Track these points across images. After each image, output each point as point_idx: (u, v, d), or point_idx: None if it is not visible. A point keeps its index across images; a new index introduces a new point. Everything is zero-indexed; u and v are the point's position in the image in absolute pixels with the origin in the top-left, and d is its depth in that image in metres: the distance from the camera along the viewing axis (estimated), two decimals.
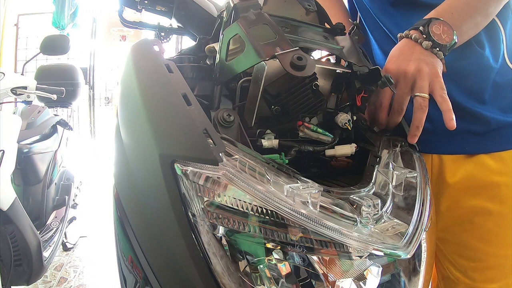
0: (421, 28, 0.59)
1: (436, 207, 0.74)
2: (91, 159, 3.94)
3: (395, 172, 0.50)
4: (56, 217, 1.82)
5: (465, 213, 0.72)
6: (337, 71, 0.61)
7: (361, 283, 0.40)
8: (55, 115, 2.04)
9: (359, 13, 0.83)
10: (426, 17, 0.61)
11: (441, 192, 0.74)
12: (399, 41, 0.62)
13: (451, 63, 0.62)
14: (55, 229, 1.73)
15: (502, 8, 0.66)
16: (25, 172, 1.66)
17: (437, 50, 0.58)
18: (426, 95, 0.56)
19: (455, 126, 0.56)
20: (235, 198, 0.37)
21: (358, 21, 0.81)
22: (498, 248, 0.71)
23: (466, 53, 0.66)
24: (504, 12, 0.69)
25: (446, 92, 0.57)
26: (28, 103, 1.63)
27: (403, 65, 0.58)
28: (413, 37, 0.59)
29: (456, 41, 0.59)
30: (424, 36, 0.58)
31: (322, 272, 0.39)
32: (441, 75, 0.58)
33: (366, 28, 0.81)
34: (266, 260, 0.39)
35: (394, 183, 0.49)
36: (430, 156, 0.74)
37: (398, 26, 0.70)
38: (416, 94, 0.57)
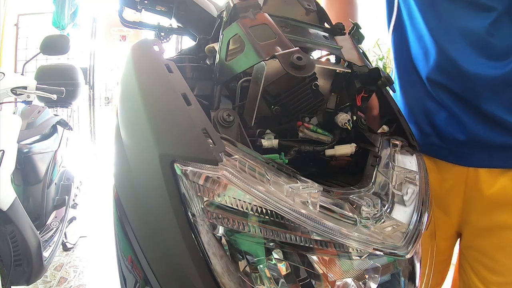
0: None
1: (466, 217, 0.74)
2: (91, 159, 3.94)
3: (395, 172, 0.50)
4: (56, 217, 1.82)
5: (494, 226, 0.71)
6: (337, 71, 0.61)
7: (361, 283, 0.40)
8: (55, 115, 2.04)
9: None
10: None
11: (473, 202, 0.72)
12: None
13: (490, 76, 0.61)
14: (55, 229, 1.73)
15: None
16: (25, 172, 1.66)
17: None
18: None
19: None
20: (235, 198, 0.37)
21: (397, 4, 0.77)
22: None
23: (505, 64, 0.63)
24: None
25: None
26: (28, 103, 1.62)
27: None
28: None
29: None
30: None
31: (322, 272, 0.39)
32: None
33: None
34: (266, 260, 0.39)
35: (394, 183, 0.49)
36: (466, 168, 0.72)
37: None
38: None
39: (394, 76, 0.82)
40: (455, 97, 0.67)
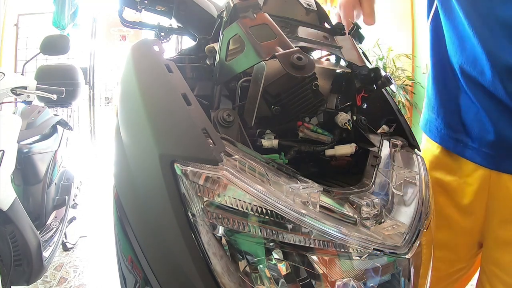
0: None
1: (488, 226, 0.70)
2: (91, 159, 3.94)
3: (395, 172, 0.50)
4: (56, 217, 1.82)
5: None
6: (337, 71, 0.61)
7: (361, 283, 0.40)
8: (55, 115, 2.04)
9: None
10: None
11: (496, 210, 0.69)
12: None
13: None
14: (55, 229, 1.73)
15: None
16: (25, 172, 1.66)
17: None
18: None
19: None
20: (234, 198, 0.37)
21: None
22: None
23: None
24: None
25: None
26: (28, 103, 1.62)
27: None
28: None
29: None
30: None
31: (322, 272, 0.39)
32: None
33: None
34: (266, 260, 0.39)
35: (394, 183, 0.49)
36: (489, 172, 0.68)
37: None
38: None
39: (429, 67, 0.78)
40: (486, 92, 0.63)
